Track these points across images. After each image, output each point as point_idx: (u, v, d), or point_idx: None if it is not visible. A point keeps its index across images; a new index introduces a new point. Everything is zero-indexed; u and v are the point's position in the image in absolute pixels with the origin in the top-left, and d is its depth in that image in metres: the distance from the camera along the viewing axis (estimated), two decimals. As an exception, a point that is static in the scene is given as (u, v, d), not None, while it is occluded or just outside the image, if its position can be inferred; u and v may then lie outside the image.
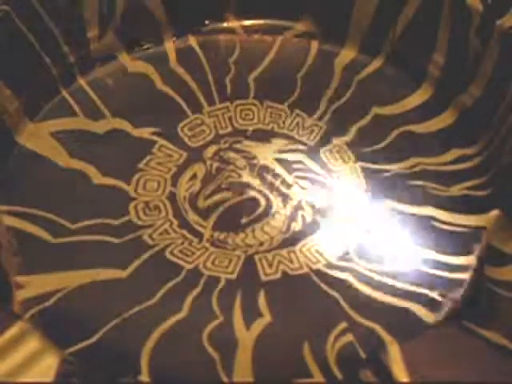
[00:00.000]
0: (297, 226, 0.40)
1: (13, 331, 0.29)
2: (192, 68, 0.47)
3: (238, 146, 0.43)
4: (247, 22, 0.49)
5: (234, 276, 0.38)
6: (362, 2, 0.46)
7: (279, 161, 0.42)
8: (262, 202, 0.41)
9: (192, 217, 0.40)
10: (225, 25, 0.49)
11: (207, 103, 0.45)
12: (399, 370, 0.28)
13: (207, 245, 0.39)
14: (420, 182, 0.41)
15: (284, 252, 0.39)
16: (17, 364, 0.28)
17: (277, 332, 0.36)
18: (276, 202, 0.41)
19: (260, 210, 0.40)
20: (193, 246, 0.39)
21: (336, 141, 0.43)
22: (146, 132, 0.44)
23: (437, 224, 0.40)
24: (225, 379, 0.34)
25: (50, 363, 0.28)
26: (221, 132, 0.44)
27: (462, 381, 0.29)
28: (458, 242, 0.39)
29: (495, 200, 0.40)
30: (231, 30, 0.49)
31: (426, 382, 0.28)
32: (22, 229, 0.39)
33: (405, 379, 0.28)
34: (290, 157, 0.43)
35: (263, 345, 0.35)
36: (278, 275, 0.38)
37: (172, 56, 0.48)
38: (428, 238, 0.39)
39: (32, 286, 0.37)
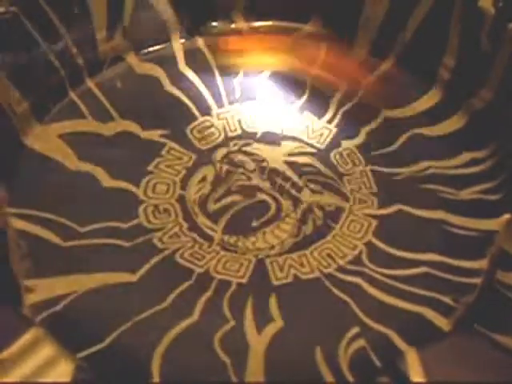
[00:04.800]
0: (307, 229, 0.40)
1: (26, 338, 0.29)
2: (200, 70, 0.47)
3: (247, 148, 0.43)
4: (256, 24, 0.49)
5: (244, 280, 0.38)
6: (372, 4, 0.46)
7: (289, 164, 0.42)
8: (273, 205, 0.41)
9: (202, 220, 0.40)
10: (233, 26, 0.49)
11: (216, 105, 0.45)
12: (418, 378, 0.28)
13: (218, 248, 0.39)
14: (431, 186, 0.41)
15: (295, 256, 0.38)
16: (32, 371, 0.28)
17: (288, 337, 0.36)
18: (286, 205, 0.40)
19: (270, 213, 0.40)
20: (203, 249, 0.39)
21: (346, 144, 0.43)
22: (154, 134, 0.43)
23: (448, 228, 0.40)
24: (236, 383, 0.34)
25: (64, 370, 0.28)
26: (230, 134, 0.44)
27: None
28: (470, 246, 0.39)
29: (507, 204, 0.40)
30: (239, 32, 0.49)
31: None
32: (30, 232, 0.39)
33: (423, 384, 0.28)
34: (299, 160, 0.43)
35: (275, 349, 0.35)
36: (290, 279, 0.38)
37: (180, 57, 0.47)
38: (439, 241, 0.39)
39: (41, 289, 0.37)
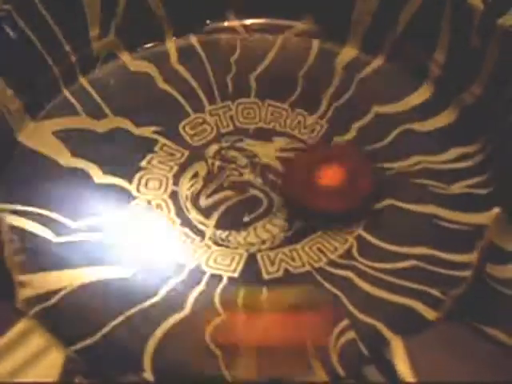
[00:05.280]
0: (298, 224, 0.40)
1: (18, 328, 0.29)
2: (193, 67, 0.47)
3: (239, 144, 0.43)
4: (248, 21, 0.49)
5: (236, 274, 0.38)
6: (363, 1, 0.46)
7: (281, 159, 0.43)
8: (264, 200, 0.41)
9: (194, 215, 0.40)
10: (226, 24, 0.49)
11: (208, 102, 0.45)
12: (403, 366, 0.28)
13: (209, 243, 0.39)
14: (421, 180, 0.42)
15: (286, 250, 0.39)
16: (22, 361, 0.28)
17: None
18: (278, 200, 0.41)
19: (262, 208, 0.40)
20: (195, 244, 0.39)
21: (337, 139, 0.43)
22: (147, 131, 0.44)
23: (438, 222, 0.40)
24: (228, 377, 0.34)
25: (55, 360, 0.28)
26: (222, 131, 0.44)
27: (463, 381, 0.29)
28: (460, 239, 0.39)
29: (496, 198, 0.40)
30: (232, 29, 0.49)
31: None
32: (24, 227, 0.39)
33: (409, 375, 0.28)
34: (291, 155, 0.43)
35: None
36: (280, 273, 0.38)
37: (173, 55, 0.48)
38: (430, 235, 0.39)
39: (35, 284, 0.37)
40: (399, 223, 0.40)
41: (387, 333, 0.35)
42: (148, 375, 0.34)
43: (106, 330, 0.36)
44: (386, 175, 0.42)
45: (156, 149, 0.43)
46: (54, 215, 0.40)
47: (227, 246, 0.39)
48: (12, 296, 0.36)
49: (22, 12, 0.43)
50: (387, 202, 0.41)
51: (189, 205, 0.41)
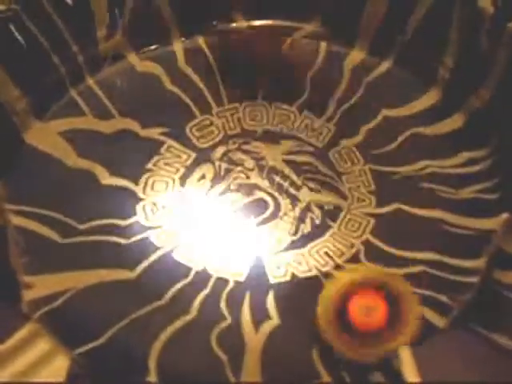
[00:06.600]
0: (305, 228, 0.40)
1: (23, 332, 0.29)
2: (200, 68, 0.47)
3: (246, 147, 0.43)
4: (256, 23, 0.49)
5: (242, 278, 0.38)
6: (372, 4, 0.46)
7: (288, 162, 0.42)
8: (271, 203, 0.41)
9: (200, 218, 0.40)
10: (233, 25, 0.49)
11: (216, 104, 0.45)
12: (410, 374, 0.28)
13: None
14: (429, 185, 0.41)
15: (293, 254, 0.39)
16: (28, 365, 0.28)
17: (285, 334, 0.36)
18: (285, 203, 0.41)
19: (268, 211, 0.40)
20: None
21: (345, 142, 0.43)
22: (154, 132, 0.44)
23: (446, 227, 0.40)
24: (233, 381, 0.34)
25: (60, 365, 0.28)
26: (229, 133, 0.44)
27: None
28: (467, 244, 0.39)
29: (505, 203, 0.40)
30: (240, 31, 0.49)
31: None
32: (29, 228, 0.39)
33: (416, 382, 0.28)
34: (298, 158, 0.43)
35: (272, 347, 0.35)
36: (287, 277, 0.38)
37: (180, 56, 0.47)
38: (437, 240, 0.39)
39: (40, 286, 0.37)
40: (406, 228, 0.40)
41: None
42: (152, 378, 0.34)
43: (111, 332, 0.36)
44: (394, 179, 0.42)
45: (162, 150, 0.43)
46: (59, 216, 0.40)
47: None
48: (17, 297, 0.36)
49: (30, 12, 0.43)
50: (395, 206, 0.40)
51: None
